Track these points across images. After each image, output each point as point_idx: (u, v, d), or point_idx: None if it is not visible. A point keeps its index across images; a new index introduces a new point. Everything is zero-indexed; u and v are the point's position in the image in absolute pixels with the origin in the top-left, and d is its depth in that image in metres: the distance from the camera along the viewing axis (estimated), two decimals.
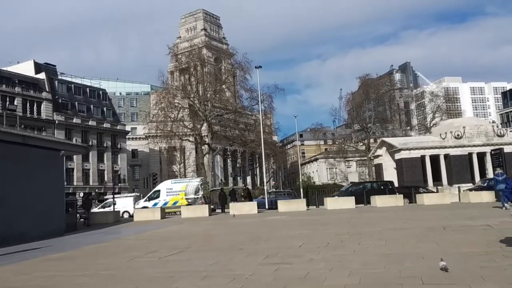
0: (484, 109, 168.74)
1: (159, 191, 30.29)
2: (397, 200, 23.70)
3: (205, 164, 63.08)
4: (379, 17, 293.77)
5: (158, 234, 14.98)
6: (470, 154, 45.72)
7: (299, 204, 23.74)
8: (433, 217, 15.05)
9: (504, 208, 18.18)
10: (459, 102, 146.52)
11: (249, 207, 23.48)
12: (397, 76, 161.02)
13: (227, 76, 70.52)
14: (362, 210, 21.38)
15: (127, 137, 77.22)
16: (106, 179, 67.87)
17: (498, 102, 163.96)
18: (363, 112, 78.36)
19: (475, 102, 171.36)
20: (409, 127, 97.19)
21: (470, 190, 30.94)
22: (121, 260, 9.35)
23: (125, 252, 10.81)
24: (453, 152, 45.36)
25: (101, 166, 67.72)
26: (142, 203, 29.93)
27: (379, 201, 23.66)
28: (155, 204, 28.02)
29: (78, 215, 28.29)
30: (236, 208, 23.34)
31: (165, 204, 28.00)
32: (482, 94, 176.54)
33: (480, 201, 22.73)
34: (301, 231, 13.03)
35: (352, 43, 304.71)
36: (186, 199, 28.26)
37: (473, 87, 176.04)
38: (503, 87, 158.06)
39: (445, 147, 45.49)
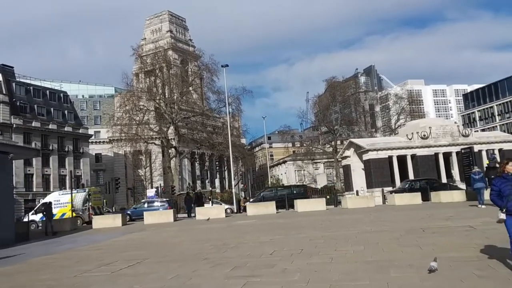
0: (446, 111, 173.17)
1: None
2: (368, 201, 23.15)
3: (172, 168, 61.60)
4: (344, 23, 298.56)
5: (116, 243, 13.74)
6: (436, 154, 46.07)
7: (269, 207, 22.83)
8: (408, 218, 14.44)
9: (480, 206, 17.80)
10: (422, 104, 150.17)
11: (217, 211, 22.41)
12: (362, 79, 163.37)
13: (194, 78, 69.13)
14: (334, 212, 20.69)
15: (90, 141, 74.53)
16: (67, 184, 65.12)
17: (459, 104, 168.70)
18: (330, 115, 78.89)
19: (437, 104, 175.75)
20: (374, 129, 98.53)
21: (391, 192, 30.69)
22: (68, 275, 8.15)
23: (76, 265, 9.57)
24: (419, 152, 45.57)
25: (63, 171, 64.92)
26: (30, 216, 28.01)
27: (350, 202, 23.06)
28: (42, 218, 26.03)
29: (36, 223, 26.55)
30: (203, 212, 22.21)
31: (53, 216, 26.00)
32: (444, 96, 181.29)
33: (452, 201, 22.45)
34: (272, 236, 12.10)
35: (319, 48, 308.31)
36: (73, 210, 26.79)
37: (436, 90, 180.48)
38: (464, 90, 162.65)
39: (412, 148, 45.64)
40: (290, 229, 13.57)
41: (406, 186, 32.08)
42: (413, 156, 46.02)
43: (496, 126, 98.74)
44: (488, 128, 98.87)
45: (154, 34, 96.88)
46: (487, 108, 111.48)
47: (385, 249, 8.37)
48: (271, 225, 15.76)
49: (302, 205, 22.76)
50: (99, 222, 21.44)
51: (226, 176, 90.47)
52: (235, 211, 27.00)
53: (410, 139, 46.05)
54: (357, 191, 34.62)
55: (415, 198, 23.25)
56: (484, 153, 45.02)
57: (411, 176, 45.50)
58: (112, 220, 21.68)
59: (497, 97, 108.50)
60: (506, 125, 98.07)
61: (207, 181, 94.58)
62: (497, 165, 21.05)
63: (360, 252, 8.25)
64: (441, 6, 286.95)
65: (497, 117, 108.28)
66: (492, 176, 18.87)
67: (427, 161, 45.59)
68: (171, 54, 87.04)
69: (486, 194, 18.63)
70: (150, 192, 46.58)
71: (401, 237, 9.90)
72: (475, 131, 50.55)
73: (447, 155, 47.02)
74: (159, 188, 48.01)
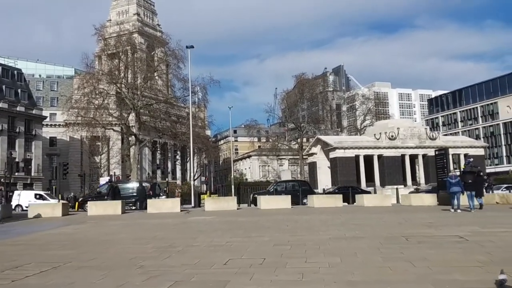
0: (410, 115, 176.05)
1: None
2: (336, 200, 21.64)
3: (131, 156, 58.71)
4: (317, 23, 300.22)
5: (43, 238, 11.50)
6: (403, 156, 45.54)
7: (229, 203, 20.96)
8: (383, 223, 12.88)
9: (453, 210, 16.89)
10: (388, 107, 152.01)
11: (172, 205, 20.31)
12: (331, 78, 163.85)
13: (159, 63, 66.16)
14: (300, 211, 19.00)
15: (44, 123, 70.37)
16: (17, 168, 61.06)
17: (423, 108, 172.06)
18: (297, 111, 78.14)
19: (402, 108, 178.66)
20: (339, 129, 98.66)
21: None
22: None
23: None
24: (386, 153, 44.91)
25: (12, 154, 60.60)
26: None
27: (316, 201, 21.49)
28: None
29: None
30: (156, 205, 20.07)
31: None
32: (409, 100, 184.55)
33: (422, 204, 21.25)
34: (229, 238, 10.22)
35: (291, 45, 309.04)
36: None
37: (401, 93, 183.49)
38: (429, 95, 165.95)
39: (379, 148, 44.93)
40: (252, 230, 11.73)
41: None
42: (380, 157, 45.29)
43: (458, 132, 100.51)
44: (451, 133, 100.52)
45: (120, 16, 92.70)
46: (450, 114, 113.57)
47: (367, 264, 6.64)
48: (231, 223, 13.87)
49: (265, 202, 20.99)
50: (34, 210, 18.88)
51: (188, 168, 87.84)
52: (193, 205, 25.02)
53: (378, 139, 45.27)
54: (323, 190, 33.33)
55: (385, 199, 21.93)
56: (450, 157, 44.75)
57: (377, 176, 44.75)
58: (51, 209, 19.19)
59: (460, 104, 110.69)
60: (468, 131, 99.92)
61: (168, 172, 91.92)
62: (474, 170, 20.02)
63: (337, 267, 6.48)
64: (411, 14, 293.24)
65: (459, 123, 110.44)
66: (470, 181, 17.80)
67: (394, 162, 44.98)
68: (136, 38, 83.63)
69: (463, 199, 17.48)
70: (103, 180, 43.75)
71: (382, 247, 8.22)
72: (443, 135, 50.36)
73: (413, 157, 46.56)
74: (113, 176, 45.15)
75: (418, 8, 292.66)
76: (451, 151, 45.84)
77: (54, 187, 46.32)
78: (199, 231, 11.86)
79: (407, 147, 45.51)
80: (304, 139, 72.73)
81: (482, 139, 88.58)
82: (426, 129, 49.04)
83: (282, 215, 16.30)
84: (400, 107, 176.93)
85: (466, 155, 45.17)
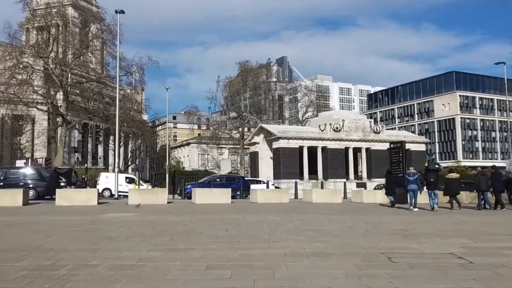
0: (350, 109, 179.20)
1: None
2: (282, 195, 19.17)
3: (58, 139, 53.50)
4: (263, 15, 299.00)
5: None
6: (346, 149, 44.28)
7: (158, 195, 17.80)
8: (347, 229, 10.48)
9: (412, 209, 15.26)
10: (329, 100, 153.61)
11: (86, 196, 16.84)
12: (274, 69, 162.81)
13: (92, 38, 60.71)
14: (242, 208, 16.27)
15: None
16: None
17: (362, 103, 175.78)
18: (240, 100, 76.04)
19: (342, 102, 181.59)
20: (281, 120, 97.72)
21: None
22: None
23: None
24: (331, 145, 43.42)
25: None
26: None
27: (260, 196, 18.90)
28: None
29: None
30: (67, 197, 16.54)
31: None
32: (349, 95, 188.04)
33: (374, 202, 19.33)
34: (145, 251, 7.28)
35: (236, 36, 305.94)
36: None
37: (342, 87, 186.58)
38: (368, 90, 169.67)
39: (323, 139, 43.33)
40: (180, 237, 8.82)
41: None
42: (324, 149, 43.71)
43: (395, 127, 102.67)
44: (387, 129, 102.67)
45: None
46: (388, 110, 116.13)
47: None
48: (154, 225, 10.85)
49: (201, 195, 18.08)
50: None
51: (121, 154, 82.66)
52: (116, 196, 21.64)
53: (322, 131, 43.62)
54: (267, 182, 30.90)
55: (336, 195, 19.79)
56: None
57: (320, 169, 43.15)
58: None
59: (398, 100, 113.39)
60: (404, 127, 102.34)
61: (100, 157, 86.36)
62: (437, 168, 18.41)
63: None
64: (353, 13, 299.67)
65: (397, 119, 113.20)
66: (432, 180, 16.00)
67: (337, 155, 43.58)
68: (69, 11, 76.88)
69: (422, 198, 15.75)
70: (19, 163, 38.71)
71: (362, 274, 5.68)
72: (386, 129, 49.73)
73: (356, 151, 45.46)
74: (29, 160, 40.13)
75: (360, 8, 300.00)
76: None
77: None
78: (107, 237, 8.76)
79: (351, 140, 44.30)
80: (246, 129, 70.82)
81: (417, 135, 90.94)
82: (370, 122, 48.18)
83: (220, 214, 13.49)
84: (340, 101, 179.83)
85: (407, 150, 44.73)
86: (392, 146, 20.65)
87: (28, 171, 22.50)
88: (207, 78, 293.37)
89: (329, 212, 14.59)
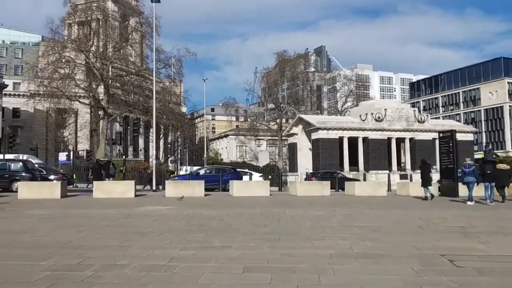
0: (391, 98, 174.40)
1: None
2: (323, 188, 18.33)
3: (99, 131, 54.54)
4: (301, 4, 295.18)
5: None
6: (389, 139, 42.69)
7: (195, 188, 17.39)
8: (396, 226, 9.61)
9: (469, 203, 14.15)
10: (369, 90, 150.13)
11: (124, 188, 16.65)
12: (312, 59, 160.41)
13: (131, 31, 61.34)
14: (280, 201, 15.59)
15: (6, 92, 65.02)
16: None
17: (404, 92, 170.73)
18: (277, 91, 75.22)
19: (383, 91, 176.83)
20: (319, 110, 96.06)
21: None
22: None
23: None
24: (372, 135, 41.95)
25: None
26: None
27: (300, 188, 18.14)
28: None
29: None
30: (105, 189, 16.39)
31: None
32: (390, 84, 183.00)
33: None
34: (178, 250, 6.75)
35: (274, 25, 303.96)
36: None
37: (383, 76, 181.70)
38: (410, 79, 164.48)
39: (364, 130, 41.89)
40: (215, 234, 8.24)
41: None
42: (365, 139, 42.30)
43: (439, 117, 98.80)
44: (432, 118, 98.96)
45: None
46: (432, 98, 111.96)
47: None
48: (190, 219, 10.36)
49: (239, 188, 17.55)
50: None
51: (161, 146, 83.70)
52: (154, 188, 21.46)
53: (363, 120, 42.19)
54: (307, 174, 30.11)
55: (380, 188, 18.76)
56: (438, 142, 42.12)
57: (361, 160, 41.82)
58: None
59: (442, 88, 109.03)
60: (449, 117, 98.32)
61: (141, 150, 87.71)
62: (495, 159, 17.10)
63: None
64: (394, 0, 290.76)
65: (441, 108, 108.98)
66: (488, 172, 14.75)
67: (379, 146, 42.06)
68: (110, 7, 78.08)
69: (478, 190, 14.59)
70: (62, 156, 39.61)
71: (425, 284, 4.88)
72: (431, 118, 47.59)
73: (399, 141, 43.78)
74: (71, 152, 40.89)
75: None
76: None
77: None
78: (140, 233, 8.31)
79: (394, 130, 42.63)
80: (284, 120, 69.95)
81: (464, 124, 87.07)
82: (414, 111, 46.15)
83: (259, 207, 12.87)
84: (381, 91, 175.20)
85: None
86: (441, 135, 19.34)
87: (14, 163, 22.71)
88: (245, 70, 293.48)
89: (375, 206, 13.68)
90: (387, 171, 40.00)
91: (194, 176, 25.88)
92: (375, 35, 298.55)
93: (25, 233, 8.37)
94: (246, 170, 31.73)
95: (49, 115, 68.83)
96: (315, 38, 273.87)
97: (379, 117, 42.14)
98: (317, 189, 18.19)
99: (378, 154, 41.52)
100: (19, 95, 70.10)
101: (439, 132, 20.99)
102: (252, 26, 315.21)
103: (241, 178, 25.47)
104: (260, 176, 29.60)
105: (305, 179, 27.44)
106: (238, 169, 29.74)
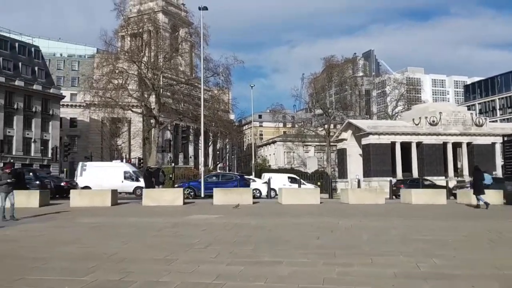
0: (444, 101, 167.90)
1: None
2: (377, 196, 17.39)
3: (151, 139, 55.73)
4: (349, 10, 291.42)
5: None
6: (444, 144, 40.61)
7: (243, 195, 17.01)
8: (465, 239, 8.69)
9: None
10: (421, 93, 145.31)
11: (172, 196, 16.51)
12: (361, 63, 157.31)
13: (181, 41, 62.45)
14: (332, 210, 14.87)
15: (65, 103, 68.05)
16: (32, 149, 58.87)
17: (457, 95, 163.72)
18: (325, 97, 74.02)
19: (435, 94, 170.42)
20: (368, 115, 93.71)
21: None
22: None
23: None
24: (426, 140, 40.04)
25: (28, 134, 58.44)
26: None
27: (352, 195, 17.29)
28: None
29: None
30: (153, 196, 16.33)
31: None
32: (443, 87, 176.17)
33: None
34: (225, 265, 6.31)
35: (321, 32, 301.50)
36: None
37: (435, 79, 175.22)
38: (464, 81, 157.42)
39: (418, 134, 40.07)
40: (265, 247, 7.73)
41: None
42: (418, 144, 40.48)
43: (497, 120, 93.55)
44: (491, 121, 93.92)
45: None
46: (488, 101, 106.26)
47: None
48: (238, 230, 9.91)
49: (288, 195, 16.97)
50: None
51: (210, 153, 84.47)
52: (202, 195, 21.31)
53: (416, 125, 40.39)
54: (358, 181, 29.03)
55: (438, 195, 17.57)
56: (498, 146, 39.61)
57: (414, 166, 40.02)
58: (27, 198, 15.62)
59: (499, 90, 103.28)
60: (506, 120, 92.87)
61: (191, 157, 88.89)
62: None
63: None
64: (446, 1, 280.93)
65: (498, 111, 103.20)
66: None
67: (434, 151, 40.09)
68: (161, 18, 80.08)
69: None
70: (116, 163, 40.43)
71: None
72: (490, 121, 44.88)
73: (456, 146, 41.59)
74: (123, 160, 41.82)
75: None
76: (499, 139, 40.75)
77: (65, 169, 43.56)
78: (186, 244, 7.94)
79: (449, 134, 40.51)
80: (332, 125, 68.62)
81: None
82: (471, 114, 43.66)
83: (310, 216, 12.25)
84: (433, 94, 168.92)
85: None
86: (505, 139, 17.88)
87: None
88: (293, 76, 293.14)
89: (436, 216, 12.70)
90: (443, 177, 38.06)
91: (200, 183, 25.73)
92: (426, 38, 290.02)
93: (72, 244, 8.24)
94: (294, 176, 31.07)
95: (103, 124, 71.26)
96: (364, 43, 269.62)
97: (433, 121, 40.20)
98: (370, 196, 17.27)
99: (433, 159, 39.54)
100: (75, 105, 73.15)
101: (503, 135, 19.44)
102: (300, 33, 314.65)
103: (248, 185, 24.76)
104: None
105: (395, 187, 26.05)
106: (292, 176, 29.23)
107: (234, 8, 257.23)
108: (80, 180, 28.09)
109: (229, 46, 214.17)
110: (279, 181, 27.35)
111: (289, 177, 29.57)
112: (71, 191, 17.26)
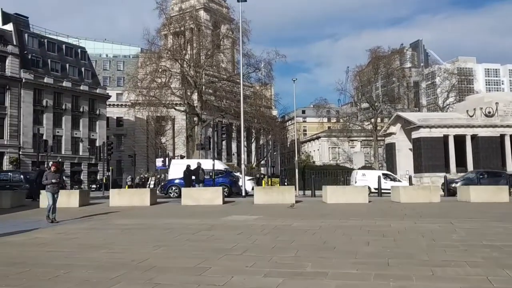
0: (498, 91, 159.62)
1: None
2: (432, 194, 16.06)
3: (194, 137, 55.95)
4: (395, 0, 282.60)
5: None
6: (502, 136, 38.01)
7: (285, 194, 16.17)
8: None
9: None
10: (473, 84, 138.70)
11: (211, 195, 15.94)
12: (408, 54, 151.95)
13: (222, 37, 62.24)
14: (383, 210, 13.78)
15: (109, 103, 69.65)
16: (81, 148, 60.60)
17: None
18: (371, 90, 71.72)
19: (488, 84, 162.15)
20: (417, 108, 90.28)
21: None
22: None
23: None
24: (482, 132, 37.61)
25: (76, 133, 60.19)
26: None
27: (403, 193, 16.05)
28: None
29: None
30: (193, 195, 15.82)
31: None
32: (497, 77, 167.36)
33: None
34: (262, 275, 5.54)
35: (366, 24, 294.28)
36: None
37: (488, 68, 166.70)
38: None
39: (473, 126, 37.70)
40: (305, 252, 6.91)
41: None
42: (473, 137, 38.10)
43: None
44: None
45: None
46: None
47: None
48: (278, 233, 9.12)
49: (333, 194, 15.98)
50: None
51: (253, 150, 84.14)
52: (243, 194, 20.64)
53: (471, 116, 38.02)
54: (410, 178, 27.49)
55: (500, 192, 16.02)
56: None
57: (469, 161, 37.70)
58: (67, 198, 15.52)
59: None
60: None
61: (234, 154, 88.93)
62: None
63: None
64: None
65: None
66: None
67: (491, 144, 37.57)
68: (202, 15, 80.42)
69: None
70: (158, 162, 40.82)
71: None
72: None
73: None
74: (167, 158, 41.97)
75: None
76: None
77: (111, 168, 44.32)
78: (221, 250, 7.24)
79: (507, 126, 37.84)
80: (379, 119, 66.36)
81: None
82: None
83: (358, 218, 11.26)
84: (486, 84, 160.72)
85: None
86: None
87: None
88: (337, 70, 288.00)
89: (500, 217, 11.37)
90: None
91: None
92: (477, 26, 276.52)
93: (101, 248, 7.74)
94: (388, 173, 29.51)
95: (148, 123, 72.48)
96: (411, 34, 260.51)
97: (489, 112, 37.69)
98: (424, 194, 15.96)
99: (490, 153, 37.07)
100: (121, 105, 74.78)
101: None
102: (344, 26, 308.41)
103: (236, 182, 23.27)
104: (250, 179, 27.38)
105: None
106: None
107: (276, 3, 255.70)
108: (171, 178, 28.18)
109: (272, 42, 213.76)
110: (372, 177, 26.33)
111: (383, 174, 28.42)
112: (111, 190, 17.10)
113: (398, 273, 5.55)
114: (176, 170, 26.07)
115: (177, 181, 23.55)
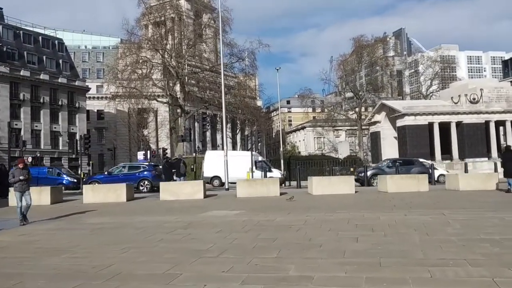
0: (480, 78, 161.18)
1: None
2: (419, 183, 15.58)
3: (178, 129, 54.93)
4: None
5: None
6: (487, 123, 37.92)
7: (270, 187, 15.50)
8: None
9: None
10: (455, 71, 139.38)
11: (192, 189, 15.18)
12: (391, 42, 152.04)
13: (204, 27, 61.04)
14: (370, 201, 13.21)
15: (91, 96, 68.06)
16: (60, 142, 59.11)
17: (495, 72, 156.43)
18: (355, 79, 71.56)
19: (471, 72, 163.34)
20: (401, 96, 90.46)
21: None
22: None
23: None
24: (467, 119, 37.46)
25: (55, 127, 58.62)
26: None
27: (390, 183, 15.53)
28: None
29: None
30: (171, 190, 15.04)
31: None
32: (479, 64, 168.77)
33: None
34: (237, 282, 4.88)
35: (351, 13, 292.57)
36: None
37: (470, 56, 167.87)
38: (502, 57, 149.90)
39: (458, 113, 37.52)
40: (288, 251, 6.25)
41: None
42: (458, 124, 37.94)
43: None
44: None
45: None
46: None
47: None
48: (259, 230, 8.45)
49: (319, 184, 15.37)
50: None
51: (238, 141, 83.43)
52: (227, 187, 19.97)
53: (456, 103, 37.83)
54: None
55: (489, 181, 15.61)
56: None
57: (455, 148, 37.57)
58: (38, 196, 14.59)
59: None
60: None
61: (218, 145, 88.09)
62: None
63: None
64: None
65: None
66: None
67: (476, 131, 37.48)
68: (183, 5, 78.84)
69: None
70: (140, 155, 39.84)
71: None
72: None
73: (499, 124, 38.83)
74: (148, 151, 40.98)
75: None
76: None
77: (91, 162, 43.20)
78: (196, 251, 6.54)
79: (492, 112, 37.77)
80: (363, 109, 66.23)
81: None
82: None
83: (345, 211, 10.66)
84: (469, 71, 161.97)
85: None
86: None
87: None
88: (321, 60, 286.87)
89: (494, 206, 10.89)
90: (486, 159, 35.57)
91: (105, 176, 24.03)
92: (460, 14, 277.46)
93: (64, 252, 6.97)
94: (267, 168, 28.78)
95: (130, 115, 71.07)
96: (395, 23, 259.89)
97: (474, 99, 37.51)
98: (412, 183, 15.48)
99: (475, 140, 36.97)
100: (101, 97, 73.07)
101: None
102: (328, 16, 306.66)
103: (161, 175, 21.61)
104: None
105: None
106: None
107: None
108: (207, 170, 27.03)
109: (256, 32, 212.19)
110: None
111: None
112: (84, 186, 16.21)
113: (392, 275, 4.93)
114: (219, 163, 24.38)
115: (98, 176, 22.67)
